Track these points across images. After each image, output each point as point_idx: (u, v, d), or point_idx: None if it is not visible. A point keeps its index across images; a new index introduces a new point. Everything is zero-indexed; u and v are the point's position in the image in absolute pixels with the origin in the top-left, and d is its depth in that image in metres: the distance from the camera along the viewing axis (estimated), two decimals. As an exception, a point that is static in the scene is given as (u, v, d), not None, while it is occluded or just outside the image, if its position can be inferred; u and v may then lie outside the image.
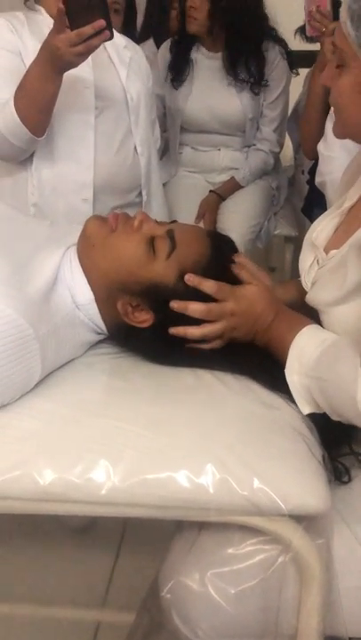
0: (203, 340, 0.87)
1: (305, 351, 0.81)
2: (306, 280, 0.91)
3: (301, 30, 1.97)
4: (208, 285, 0.86)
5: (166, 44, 2.07)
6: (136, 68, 1.49)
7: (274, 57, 2.01)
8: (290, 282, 1.05)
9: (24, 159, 1.38)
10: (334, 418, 0.79)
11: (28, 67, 1.29)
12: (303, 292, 0.92)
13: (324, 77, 0.81)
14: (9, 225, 0.97)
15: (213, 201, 2.06)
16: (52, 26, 1.36)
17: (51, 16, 1.38)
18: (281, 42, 2.03)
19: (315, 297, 0.87)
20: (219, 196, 2.07)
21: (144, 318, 0.88)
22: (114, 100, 1.44)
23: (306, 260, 0.92)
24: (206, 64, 2.02)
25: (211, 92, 2.01)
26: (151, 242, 0.87)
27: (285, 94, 2.09)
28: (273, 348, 0.86)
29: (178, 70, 2.02)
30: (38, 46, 1.30)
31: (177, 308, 0.86)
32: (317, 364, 0.79)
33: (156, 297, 0.86)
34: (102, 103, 1.42)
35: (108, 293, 0.88)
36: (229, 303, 0.86)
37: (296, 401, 0.81)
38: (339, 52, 0.77)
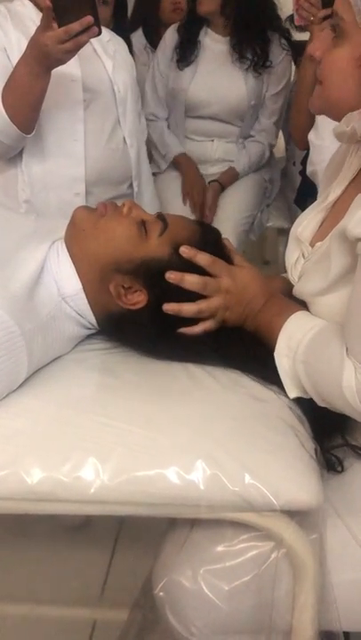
0: (196, 320, 0.86)
1: (294, 336, 0.81)
2: (292, 274, 0.90)
3: (291, 19, 1.95)
4: (203, 258, 0.85)
5: (175, 26, 2.05)
6: (121, 61, 1.49)
7: (279, 48, 2.00)
8: (274, 276, 1.04)
9: (13, 156, 1.37)
10: (321, 404, 0.78)
11: (13, 62, 1.28)
12: (289, 286, 0.91)
13: (314, 48, 0.77)
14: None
15: (217, 190, 2.03)
16: (34, 18, 1.35)
17: (37, 7, 1.36)
18: (284, 31, 2.02)
19: (302, 289, 0.86)
20: (221, 185, 2.04)
21: (137, 300, 0.86)
22: (101, 92, 1.43)
23: (292, 255, 0.91)
24: (213, 47, 2.00)
25: (216, 73, 1.99)
26: (142, 224, 0.87)
27: (288, 87, 2.08)
28: (262, 333, 0.86)
29: (185, 51, 2.00)
30: (22, 40, 1.29)
31: (173, 279, 0.84)
32: (306, 350, 0.78)
33: (150, 274, 0.85)
34: (90, 95, 1.41)
35: (99, 277, 0.86)
36: (225, 279, 0.86)
37: (284, 384, 0.81)
38: (338, 21, 0.73)
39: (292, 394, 0.81)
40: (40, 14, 1.33)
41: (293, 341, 0.80)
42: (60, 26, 1.10)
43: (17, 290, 0.79)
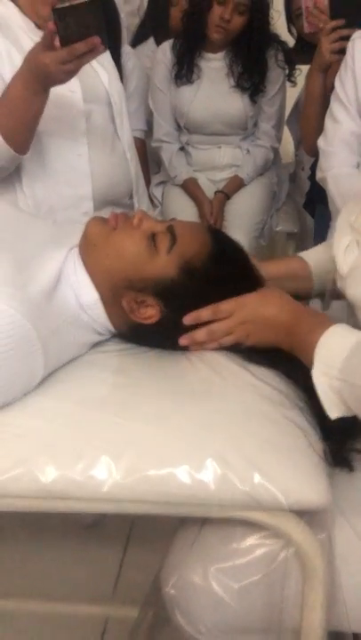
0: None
1: (333, 352, 0.76)
2: (341, 265, 0.83)
3: (297, 44, 2.00)
4: (206, 314, 0.87)
5: (166, 46, 2.05)
6: (111, 70, 1.43)
7: (276, 69, 2.04)
8: (292, 257, 1.00)
9: (10, 178, 1.27)
10: None
11: (2, 73, 1.20)
12: (295, 268, 0.89)
13: None
14: (11, 224, 0.97)
15: (222, 200, 2.07)
16: (20, 24, 1.26)
17: (20, 9, 1.28)
18: (281, 44, 2.04)
19: (355, 292, 0.80)
20: (226, 195, 2.07)
21: (150, 314, 0.88)
22: (99, 104, 1.37)
23: (341, 242, 0.84)
24: (207, 65, 2.03)
25: (215, 94, 2.02)
26: (152, 238, 0.88)
27: (283, 91, 2.10)
28: (297, 351, 0.83)
29: (185, 73, 2.01)
30: (13, 51, 1.22)
31: (188, 321, 0.87)
32: (348, 366, 0.74)
33: (160, 292, 0.87)
34: (89, 107, 1.34)
35: (112, 292, 0.88)
36: (236, 315, 0.86)
37: (323, 404, 0.76)
38: None
39: (333, 414, 0.76)
40: (24, 17, 1.25)
41: (332, 358, 0.75)
42: (62, 46, 1.00)
43: (35, 294, 0.80)
